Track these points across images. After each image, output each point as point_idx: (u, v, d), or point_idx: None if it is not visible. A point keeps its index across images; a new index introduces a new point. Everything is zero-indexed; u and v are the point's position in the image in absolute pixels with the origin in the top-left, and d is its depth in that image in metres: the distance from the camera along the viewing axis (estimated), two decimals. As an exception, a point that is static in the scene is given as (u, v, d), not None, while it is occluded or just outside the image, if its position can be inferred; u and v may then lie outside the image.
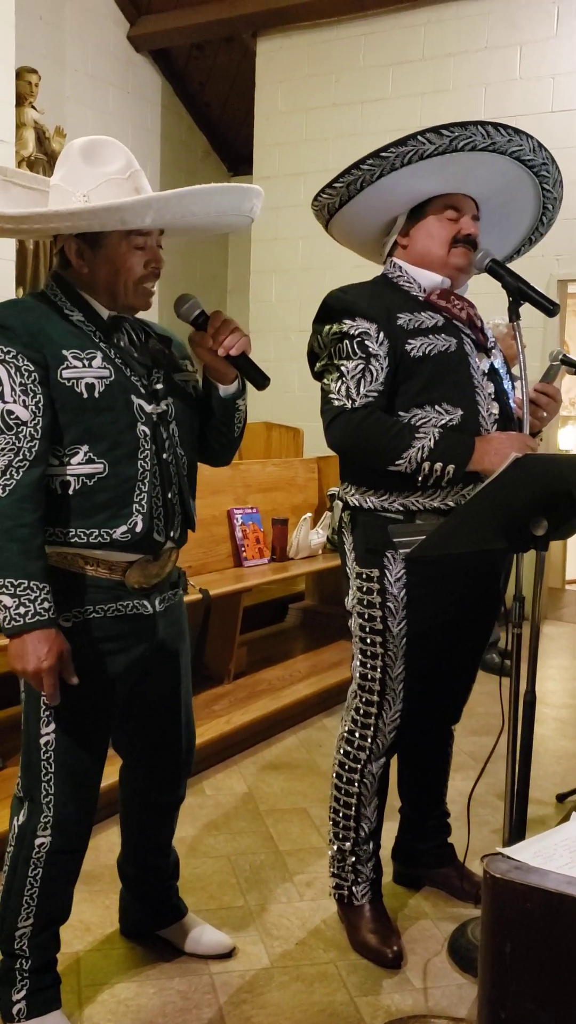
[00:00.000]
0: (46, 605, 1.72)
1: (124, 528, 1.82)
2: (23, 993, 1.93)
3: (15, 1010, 1.93)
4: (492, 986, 1.04)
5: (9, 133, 5.86)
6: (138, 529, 1.83)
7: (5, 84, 5.79)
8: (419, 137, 2.11)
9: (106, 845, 2.67)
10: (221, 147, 8.63)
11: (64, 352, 1.78)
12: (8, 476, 1.72)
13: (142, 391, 1.86)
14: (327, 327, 2.22)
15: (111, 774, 2.14)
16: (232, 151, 8.62)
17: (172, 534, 1.92)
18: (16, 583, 1.70)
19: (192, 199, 1.77)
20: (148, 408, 1.86)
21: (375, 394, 2.14)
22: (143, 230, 1.81)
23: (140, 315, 1.98)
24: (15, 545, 1.70)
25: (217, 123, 8.45)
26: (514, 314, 2.20)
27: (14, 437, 1.73)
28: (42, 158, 6.35)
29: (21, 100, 6.19)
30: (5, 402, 1.73)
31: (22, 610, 1.70)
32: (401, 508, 2.18)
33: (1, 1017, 1.96)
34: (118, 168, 1.82)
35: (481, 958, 1.06)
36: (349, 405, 2.14)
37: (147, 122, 7.81)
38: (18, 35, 5.70)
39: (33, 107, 6.41)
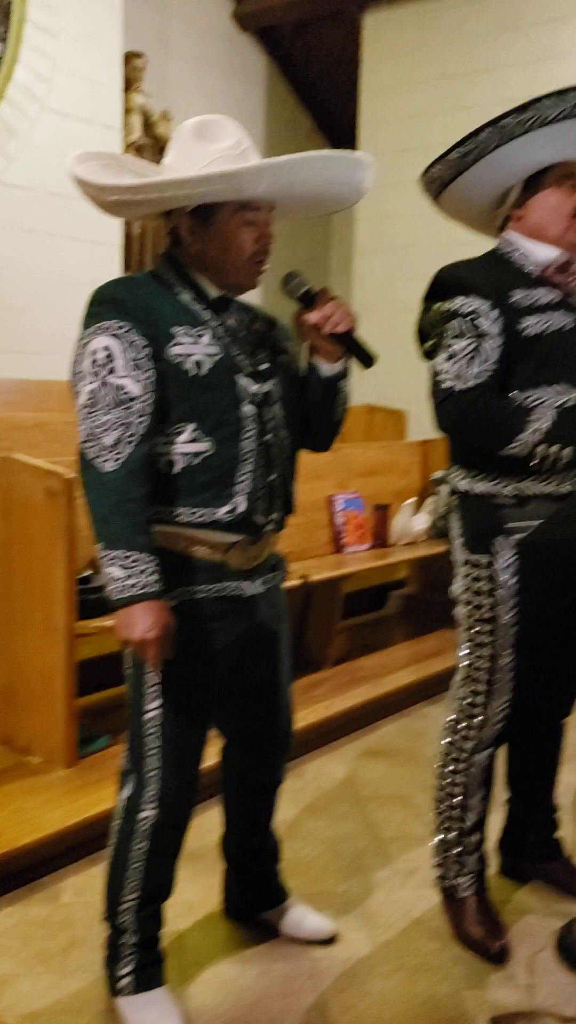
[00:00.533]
0: (154, 578, 1.74)
1: (226, 508, 1.82)
2: (129, 968, 1.96)
3: (121, 984, 1.96)
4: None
5: (116, 119, 5.93)
6: (240, 510, 1.83)
7: (113, 70, 5.86)
8: (541, 102, 2.02)
9: (208, 825, 2.69)
10: (326, 125, 8.56)
11: (173, 329, 1.79)
12: (118, 451, 1.73)
13: (247, 371, 1.85)
14: (437, 305, 2.16)
15: (213, 755, 2.15)
16: (337, 129, 8.53)
17: (273, 516, 1.92)
18: (126, 555, 1.72)
19: (305, 165, 1.76)
20: (253, 388, 1.85)
21: (487, 374, 2.08)
22: (253, 205, 1.81)
23: (246, 298, 1.96)
24: (124, 519, 1.73)
25: (322, 101, 8.37)
26: None
27: (125, 412, 1.74)
28: (149, 143, 6.40)
29: (128, 85, 6.24)
30: (118, 377, 1.74)
31: (131, 581, 1.72)
32: (513, 493, 2.11)
33: (108, 992, 1.99)
34: (229, 145, 1.82)
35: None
36: (459, 386, 2.08)
37: (251, 103, 7.79)
38: (124, 19, 5.75)
39: (140, 92, 6.46)
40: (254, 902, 2.30)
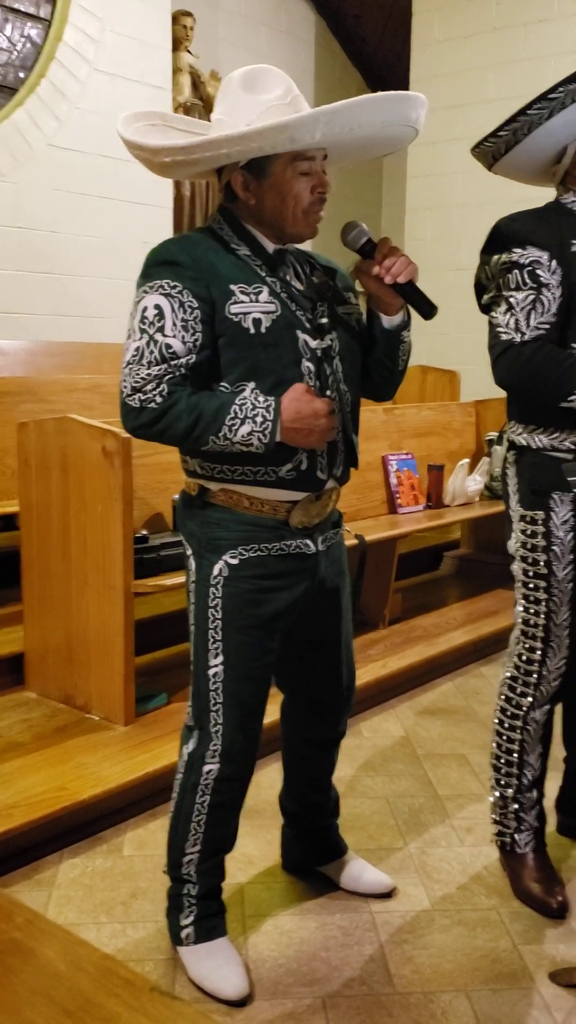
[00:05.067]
0: (261, 399, 1.75)
1: (289, 466, 1.82)
2: (191, 919, 1.99)
3: (184, 934, 2.00)
4: None
5: (166, 79, 5.89)
6: (303, 467, 1.83)
7: (161, 30, 5.81)
8: None
9: (267, 782, 2.72)
10: (376, 83, 8.42)
11: (232, 287, 1.77)
12: (160, 389, 1.74)
13: (307, 326, 1.84)
14: (495, 257, 2.12)
15: (272, 711, 2.16)
16: (387, 87, 8.38)
17: (335, 472, 1.91)
18: (234, 414, 1.73)
19: (359, 109, 1.72)
20: (313, 343, 1.84)
21: (547, 326, 2.04)
22: (307, 154, 1.78)
23: (304, 247, 1.95)
24: (205, 401, 1.74)
25: (372, 58, 8.23)
26: None
27: (168, 368, 1.75)
28: (198, 103, 6.35)
29: (176, 45, 6.19)
30: (165, 335, 1.75)
31: (260, 416, 1.74)
32: (572, 446, 2.08)
33: (171, 941, 2.03)
34: (279, 94, 1.79)
35: None
36: (518, 338, 2.05)
37: (300, 61, 7.69)
38: (173, -22, 5.69)
39: (188, 51, 6.40)
40: (313, 856, 2.32)
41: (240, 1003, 1.91)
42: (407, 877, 2.36)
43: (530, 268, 2.05)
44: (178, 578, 2.92)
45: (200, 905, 2.00)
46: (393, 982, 1.98)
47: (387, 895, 2.27)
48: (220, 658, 1.89)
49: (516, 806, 2.29)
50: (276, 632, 1.93)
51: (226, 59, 6.91)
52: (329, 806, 2.28)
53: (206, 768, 1.93)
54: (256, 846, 2.47)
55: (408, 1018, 1.88)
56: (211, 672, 1.90)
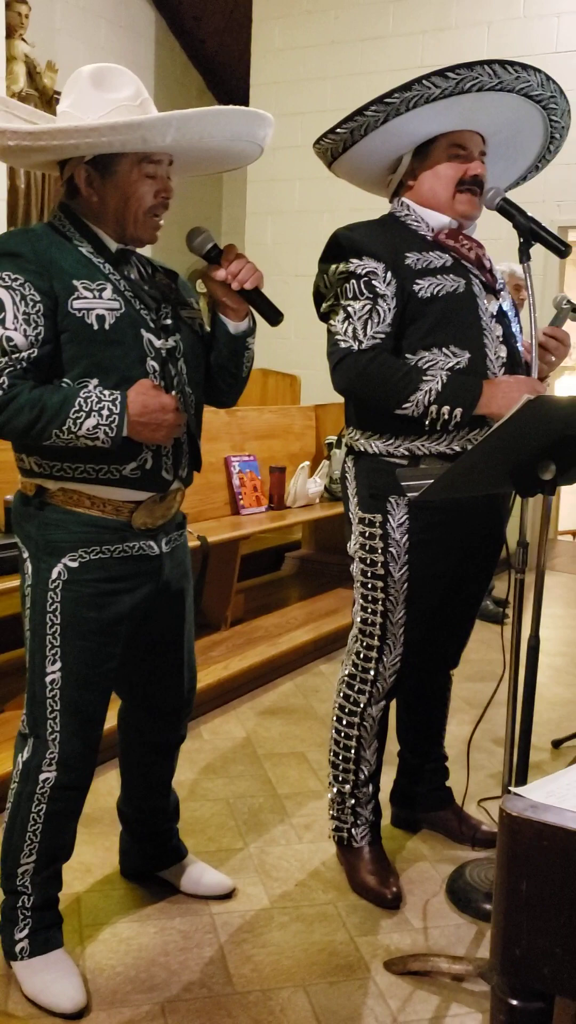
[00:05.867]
0: (107, 393, 1.72)
1: (133, 464, 1.80)
2: (26, 932, 1.94)
3: (18, 948, 1.94)
4: (507, 924, 1.04)
5: (-1, 67, 5.69)
6: (147, 466, 1.82)
7: (-5, 15, 5.62)
8: (424, 81, 2.05)
9: (105, 788, 2.68)
10: (216, 85, 8.44)
11: (75, 282, 1.75)
12: (0, 380, 1.68)
13: (151, 325, 1.83)
14: (333, 266, 2.17)
15: (110, 717, 2.13)
16: (227, 89, 8.42)
17: (180, 473, 1.91)
18: (79, 407, 1.69)
19: (212, 119, 1.75)
20: (157, 343, 1.83)
21: (382, 335, 2.10)
22: (154, 157, 1.78)
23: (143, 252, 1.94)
24: (49, 397, 1.69)
25: (212, 60, 8.24)
26: (524, 255, 2.16)
27: (9, 360, 1.70)
28: (33, 93, 6.18)
29: (11, 32, 6.01)
30: (6, 328, 1.70)
31: (105, 412, 1.70)
32: (406, 452, 2.15)
33: (4, 956, 1.97)
34: (129, 95, 1.78)
35: (496, 896, 1.05)
36: (356, 347, 2.10)
37: (140, 58, 7.61)
38: (8, -36, 5.52)
39: (23, 40, 6.22)
40: (153, 861, 2.30)
41: (77, 1015, 1.87)
42: (247, 877, 2.38)
43: (366, 279, 2.11)
44: (7, 582, 2.84)
45: (35, 917, 1.95)
46: (233, 982, 1.99)
47: (227, 896, 2.28)
48: (59, 664, 1.85)
49: (353, 801, 2.35)
50: (118, 636, 1.91)
51: (63, 50, 6.76)
52: (169, 810, 2.27)
53: (43, 777, 1.88)
54: (94, 853, 2.43)
55: (247, 1017, 1.89)
56: (49, 679, 1.86)
